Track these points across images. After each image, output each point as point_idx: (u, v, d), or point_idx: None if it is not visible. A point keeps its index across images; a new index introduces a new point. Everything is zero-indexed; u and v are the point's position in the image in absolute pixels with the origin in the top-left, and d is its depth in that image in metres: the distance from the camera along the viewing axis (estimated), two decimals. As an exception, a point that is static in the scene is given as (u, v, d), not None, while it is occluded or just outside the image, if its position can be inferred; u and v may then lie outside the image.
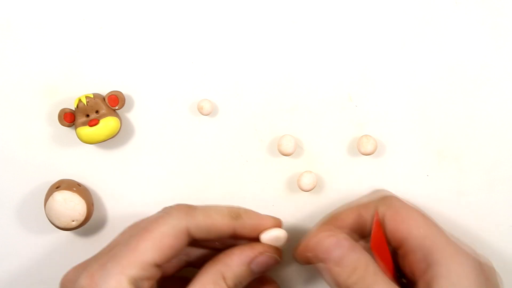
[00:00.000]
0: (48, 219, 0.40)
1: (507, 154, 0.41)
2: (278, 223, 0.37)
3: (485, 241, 0.41)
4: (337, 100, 0.41)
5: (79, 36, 0.41)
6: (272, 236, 0.37)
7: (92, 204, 0.41)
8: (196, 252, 0.39)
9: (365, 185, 0.42)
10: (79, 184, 0.41)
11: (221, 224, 0.35)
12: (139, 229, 0.34)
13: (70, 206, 0.39)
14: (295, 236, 0.43)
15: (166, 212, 0.35)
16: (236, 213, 0.36)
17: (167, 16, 0.41)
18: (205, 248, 0.39)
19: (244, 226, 0.36)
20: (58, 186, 0.40)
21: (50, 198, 0.39)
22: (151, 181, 0.42)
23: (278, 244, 0.37)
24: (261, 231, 0.37)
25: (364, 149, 0.40)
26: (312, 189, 0.41)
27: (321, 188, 0.42)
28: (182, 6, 0.41)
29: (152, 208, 0.37)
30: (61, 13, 0.41)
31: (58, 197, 0.39)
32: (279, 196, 0.41)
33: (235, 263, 0.35)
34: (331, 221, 0.38)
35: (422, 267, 0.33)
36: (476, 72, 0.41)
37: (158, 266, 0.34)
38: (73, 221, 0.39)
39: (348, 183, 0.42)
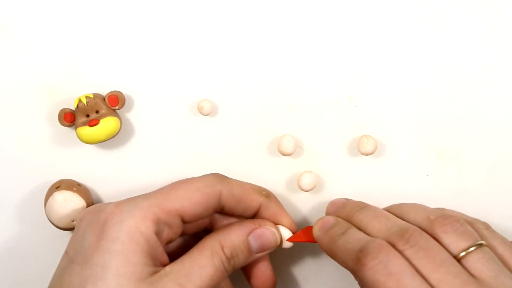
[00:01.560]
0: (48, 219, 0.40)
1: (507, 154, 0.41)
2: (294, 228, 0.39)
3: (485, 241, 0.41)
4: (337, 100, 0.41)
5: (79, 36, 0.41)
6: (282, 231, 0.38)
7: (92, 204, 0.41)
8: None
9: (365, 185, 0.42)
10: (79, 184, 0.41)
11: (252, 196, 0.37)
12: (178, 181, 0.36)
13: (70, 206, 0.39)
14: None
15: (205, 175, 0.37)
16: (267, 193, 0.38)
17: (167, 16, 0.41)
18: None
19: (269, 208, 0.38)
20: (58, 186, 0.40)
21: (50, 198, 0.39)
22: (151, 181, 0.42)
23: (282, 245, 0.38)
24: (280, 223, 0.38)
25: (364, 149, 0.40)
26: (312, 189, 0.41)
27: (321, 188, 0.42)
28: (182, 6, 0.41)
29: (152, 208, 0.37)
30: (61, 13, 0.41)
31: (58, 197, 0.39)
32: (279, 196, 0.41)
33: (233, 232, 0.36)
34: None
35: None
36: (476, 72, 0.41)
37: (183, 219, 0.35)
38: (73, 221, 0.39)
39: (348, 183, 0.42)
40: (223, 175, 0.38)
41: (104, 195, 0.42)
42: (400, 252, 0.32)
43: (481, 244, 0.32)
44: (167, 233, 0.34)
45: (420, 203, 0.37)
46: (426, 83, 0.41)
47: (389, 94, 0.41)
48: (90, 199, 0.41)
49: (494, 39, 0.41)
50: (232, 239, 0.35)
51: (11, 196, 0.42)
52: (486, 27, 0.41)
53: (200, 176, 0.37)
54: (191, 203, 0.35)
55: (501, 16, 0.40)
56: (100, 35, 0.41)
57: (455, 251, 0.32)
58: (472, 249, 0.32)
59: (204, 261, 0.34)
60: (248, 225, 0.36)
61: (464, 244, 0.32)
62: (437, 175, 0.41)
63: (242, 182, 0.38)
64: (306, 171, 0.41)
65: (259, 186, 0.39)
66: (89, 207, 0.36)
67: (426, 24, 0.41)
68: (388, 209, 0.37)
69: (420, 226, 0.34)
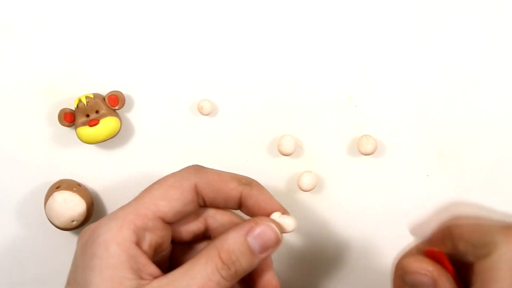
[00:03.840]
0: (48, 219, 0.40)
1: (507, 154, 0.41)
2: (285, 212, 0.35)
3: (485, 241, 0.41)
4: (337, 100, 0.41)
5: (79, 36, 0.41)
6: (281, 220, 0.34)
7: (92, 204, 0.41)
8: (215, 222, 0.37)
9: (365, 185, 0.42)
10: (79, 184, 0.41)
11: (230, 185, 0.35)
12: (153, 183, 0.34)
13: (70, 206, 0.39)
14: (295, 236, 0.43)
15: (181, 169, 0.35)
16: (247, 180, 0.35)
17: (167, 16, 0.41)
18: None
19: (251, 196, 0.35)
20: (58, 186, 0.40)
21: (50, 198, 0.39)
22: (151, 181, 0.42)
23: (285, 231, 0.35)
24: (268, 210, 0.35)
25: (364, 149, 0.40)
26: (312, 189, 0.41)
27: (321, 188, 0.42)
28: (182, 6, 0.41)
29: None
30: (61, 13, 0.41)
31: (58, 197, 0.39)
32: (279, 196, 0.41)
33: (230, 236, 0.32)
34: None
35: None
36: (476, 72, 0.41)
37: (164, 220, 0.33)
38: (73, 221, 0.39)
39: (348, 183, 0.42)
40: (199, 166, 0.35)
41: (104, 195, 0.42)
42: None
43: None
44: (150, 240, 0.33)
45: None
46: (426, 83, 0.41)
47: (389, 94, 0.41)
48: (90, 199, 0.41)
49: (494, 39, 0.41)
50: (229, 243, 0.32)
51: (11, 196, 0.42)
52: (486, 27, 0.41)
53: (174, 172, 0.35)
54: (166, 201, 0.33)
55: (501, 16, 0.40)
56: (100, 35, 0.41)
57: None
58: None
59: (196, 271, 0.31)
60: (244, 226, 0.33)
61: None
62: (437, 175, 0.41)
63: (220, 171, 0.35)
64: (306, 171, 0.41)
65: (238, 174, 0.35)
66: (80, 233, 0.35)
67: (426, 24, 0.41)
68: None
69: None
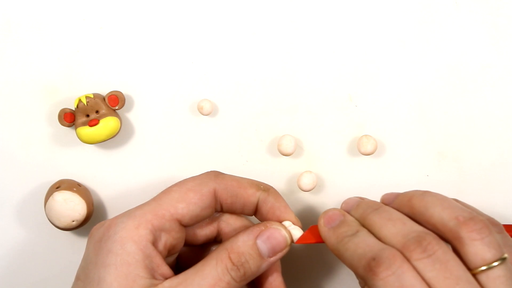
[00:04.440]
0: (48, 219, 0.40)
1: (507, 154, 0.41)
2: (298, 223, 0.36)
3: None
4: (337, 100, 0.41)
5: (79, 36, 0.41)
6: (290, 229, 0.35)
7: (92, 204, 0.41)
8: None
9: (365, 185, 0.42)
10: (79, 184, 0.41)
11: (248, 191, 0.35)
12: (171, 185, 0.35)
13: (70, 206, 0.39)
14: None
15: (199, 174, 0.36)
16: (266, 187, 0.36)
17: (167, 16, 0.41)
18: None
19: (267, 202, 0.35)
20: (58, 186, 0.40)
21: (50, 198, 0.39)
22: (151, 181, 0.42)
23: (292, 241, 0.36)
24: (281, 218, 0.35)
25: (364, 149, 0.40)
26: (312, 189, 0.40)
27: (321, 188, 0.42)
28: (182, 6, 0.41)
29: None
30: (61, 13, 0.41)
31: (58, 197, 0.39)
32: (279, 196, 0.41)
33: (240, 238, 0.33)
34: None
35: None
36: (476, 72, 0.41)
37: (181, 222, 0.33)
38: (73, 221, 0.39)
39: (348, 183, 0.42)
40: (218, 172, 0.36)
41: (104, 195, 0.42)
42: (415, 261, 0.30)
43: (504, 259, 0.30)
44: (165, 240, 0.33)
45: (446, 196, 0.34)
46: (426, 83, 0.41)
47: (389, 94, 0.41)
48: (90, 199, 0.41)
49: (494, 39, 0.41)
50: (238, 246, 0.33)
51: (11, 196, 0.42)
52: (486, 27, 0.41)
53: (193, 176, 0.35)
54: (185, 204, 0.33)
55: (501, 16, 0.40)
56: (100, 35, 0.41)
57: (476, 263, 0.30)
58: (495, 264, 0.30)
59: (207, 271, 0.32)
60: (254, 229, 0.34)
61: (489, 256, 0.30)
62: (437, 175, 0.41)
63: (238, 177, 0.36)
64: (306, 171, 0.41)
65: (257, 181, 0.36)
66: (96, 225, 0.35)
67: (426, 24, 0.41)
68: (410, 199, 0.34)
69: (446, 225, 0.31)
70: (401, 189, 0.41)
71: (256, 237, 0.33)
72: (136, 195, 0.42)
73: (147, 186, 0.42)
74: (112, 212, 0.42)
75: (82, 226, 0.40)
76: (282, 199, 0.36)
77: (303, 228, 0.36)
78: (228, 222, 0.37)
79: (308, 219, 0.42)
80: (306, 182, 0.40)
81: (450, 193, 0.41)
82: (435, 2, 0.41)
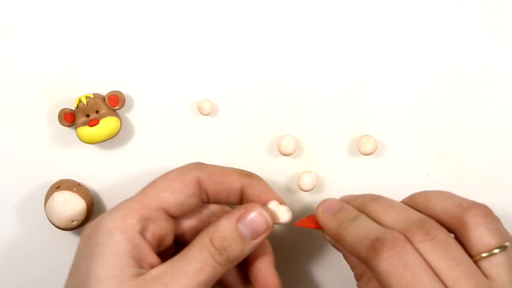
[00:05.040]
0: (48, 219, 0.40)
1: (507, 154, 0.41)
2: (283, 202, 0.36)
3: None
4: (337, 100, 0.41)
5: (79, 36, 0.41)
6: (276, 208, 0.35)
7: (92, 204, 0.41)
8: None
9: (365, 185, 0.42)
10: (79, 184, 0.41)
11: (231, 176, 0.36)
12: (157, 177, 0.35)
13: (70, 206, 0.39)
14: (295, 236, 0.43)
15: (180, 166, 0.36)
16: (248, 173, 0.36)
17: (167, 16, 0.41)
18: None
19: (252, 186, 0.36)
20: (58, 186, 0.40)
21: (50, 198, 0.39)
22: (151, 181, 0.42)
23: (279, 221, 0.35)
24: (267, 200, 0.36)
25: (364, 149, 0.40)
26: (312, 189, 0.41)
27: (321, 188, 0.42)
28: (182, 6, 0.41)
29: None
30: (61, 13, 0.41)
31: (58, 197, 0.39)
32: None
33: (221, 223, 0.33)
34: None
35: None
36: (476, 72, 0.41)
37: (167, 212, 0.34)
38: (73, 221, 0.39)
39: (348, 183, 0.42)
40: (201, 162, 0.36)
41: (104, 195, 0.42)
42: (417, 243, 0.30)
43: (505, 247, 0.30)
44: (153, 230, 0.33)
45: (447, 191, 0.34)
46: (426, 83, 0.41)
47: (389, 94, 0.41)
48: (90, 199, 0.41)
49: (494, 39, 0.41)
50: (220, 230, 0.33)
51: (11, 196, 0.42)
52: (486, 27, 0.41)
53: (177, 167, 0.36)
54: (169, 192, 0.34)
55: (501, 16, 0.40)
56: (100, 35, 0.41)
57: (479, 248, 0.30)
58: (496, 251, 0.30)
59: (191, 257, 0.32)
60: (235, 213, 0.34)
61: (492, 242, 0.30)
62: (437, 175, 0.41)
63: (221, 166, 0.36)
64: (306, 171, 0.41)
65: (239, 168, 0.37)
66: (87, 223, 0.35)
67: (426, 24, 0.41)
68: (412, 197, 0.34)
69: (450, 212, 0.32)
70: (401, 189, 0.41)
71: (237, 221, 0.33)
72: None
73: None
74: (112, 212, 0.42)
75: (82, 226, 0.40)
76: (265, 182, 0.37)
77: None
78: (218, 216, 0.37)
79: (308, 219, 0.42)
80: (306, 182, 0.40)
81: (450, 193, 0.41)
82: (435, 2, 0.41)
